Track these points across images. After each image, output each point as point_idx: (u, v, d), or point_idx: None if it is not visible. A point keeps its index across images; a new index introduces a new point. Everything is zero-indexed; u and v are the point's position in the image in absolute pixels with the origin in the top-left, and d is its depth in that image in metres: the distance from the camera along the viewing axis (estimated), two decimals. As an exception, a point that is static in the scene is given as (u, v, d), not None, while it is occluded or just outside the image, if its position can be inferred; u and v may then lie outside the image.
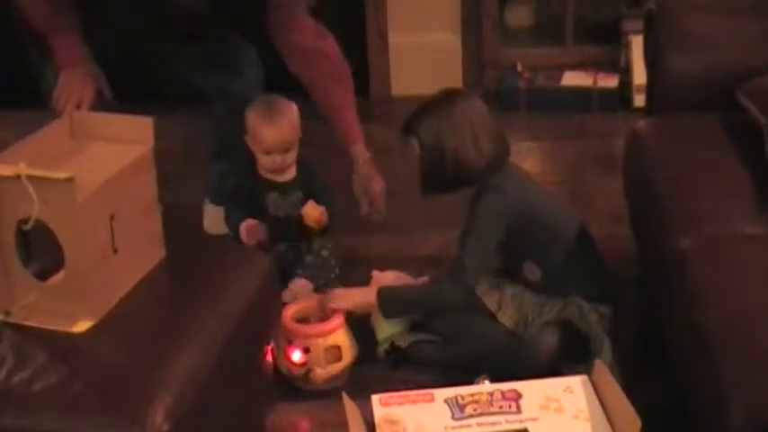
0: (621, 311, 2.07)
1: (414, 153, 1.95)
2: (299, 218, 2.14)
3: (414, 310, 2.02)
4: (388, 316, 1.98)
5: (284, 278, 2.08)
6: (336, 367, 1.92)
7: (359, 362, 1.97)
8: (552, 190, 2.49)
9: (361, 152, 2.23)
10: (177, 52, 2.20)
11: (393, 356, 1.99)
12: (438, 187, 1.97)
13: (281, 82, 2.19)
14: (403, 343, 1.99)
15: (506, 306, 1.98)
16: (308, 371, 1.90)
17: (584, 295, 1.93)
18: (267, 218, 2.15)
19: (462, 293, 1.93)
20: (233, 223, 2.13)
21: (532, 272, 1.96)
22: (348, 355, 1.94)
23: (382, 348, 2.00)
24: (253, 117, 2.11)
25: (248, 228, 2.09)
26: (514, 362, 1.87)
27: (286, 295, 2.07)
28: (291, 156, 2.14)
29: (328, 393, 1.85)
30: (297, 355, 1.90)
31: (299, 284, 2.13)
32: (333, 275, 2.19)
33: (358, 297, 1.98)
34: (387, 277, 2.11)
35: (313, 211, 2.12)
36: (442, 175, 1.93)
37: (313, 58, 2.17)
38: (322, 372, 1.90)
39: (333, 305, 1.96)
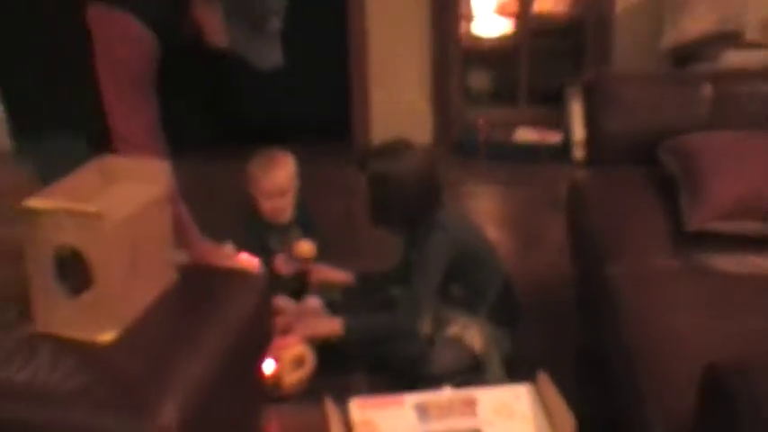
0: (561, 331, 2.12)
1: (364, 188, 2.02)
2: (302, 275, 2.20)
3: (374, 337, 2.02)
4: (352, 343, 2.01)
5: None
6: (302, 373, 1.96)
7: (337, 371, 2.00)
8: (506, 227, 2.57)
9: None
10: None
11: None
12: (384, 220, 2.03)
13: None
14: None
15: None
16: (278, 379, 1.93)
17: (492, 317, 2.01)
18: (270, 254, 2.22)
19: (414, 324, 1.98)
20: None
21: (456, 291, 2.05)
22: (310, 361, 1.98)
23: None
24: (252, 167, 2.21)
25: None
26: (418, 368, 1.95)
27: (300, 310, 2.11)
28: (287, 200, 2.22)
29: (314, 398, 1.85)
30: (267, 367, 1.92)
31: (311, 302, 2.18)
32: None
33: (324, 328, 1.99)
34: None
35: (304, 245, 2.20)
36: (387, 208, 1.99)
37: None
38: (290, 379, 1.94)
39: (298, 334, 1.98)
